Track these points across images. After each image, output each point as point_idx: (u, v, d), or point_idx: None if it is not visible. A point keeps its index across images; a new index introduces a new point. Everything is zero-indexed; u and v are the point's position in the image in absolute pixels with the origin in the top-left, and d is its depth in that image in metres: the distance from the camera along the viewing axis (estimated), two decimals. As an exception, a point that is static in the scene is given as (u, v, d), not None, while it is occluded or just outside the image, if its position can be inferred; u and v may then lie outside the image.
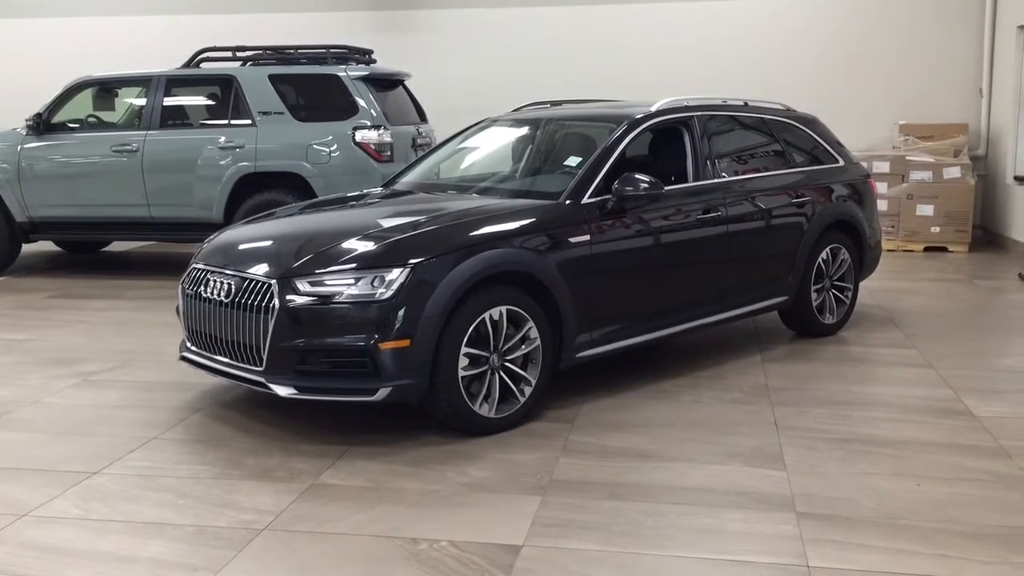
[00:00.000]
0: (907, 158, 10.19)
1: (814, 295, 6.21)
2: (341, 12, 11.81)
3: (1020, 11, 9.81)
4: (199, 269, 4.78)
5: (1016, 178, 9.96)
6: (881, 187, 9.75)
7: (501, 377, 4.48)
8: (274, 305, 4.26)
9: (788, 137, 6.35)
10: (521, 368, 4.55)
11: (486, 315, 4.38)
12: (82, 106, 9.22)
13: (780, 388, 5.21)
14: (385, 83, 8.88)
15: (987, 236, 10.73)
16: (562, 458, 4.19)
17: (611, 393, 5.11)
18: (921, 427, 4.58)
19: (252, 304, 4.35)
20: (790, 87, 10.40)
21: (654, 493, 3.80)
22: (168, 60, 9.57)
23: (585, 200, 4.95)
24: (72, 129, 8.94)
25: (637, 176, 4.97)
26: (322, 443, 4.37)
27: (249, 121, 8.45)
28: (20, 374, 5.61)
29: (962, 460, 4.14)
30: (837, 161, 6.59)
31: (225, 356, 4.55)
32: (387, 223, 4.78)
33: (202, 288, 4.66)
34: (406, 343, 4.17)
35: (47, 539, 3.46)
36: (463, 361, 4.31)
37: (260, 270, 4.45)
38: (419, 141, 8.97)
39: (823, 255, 6.21)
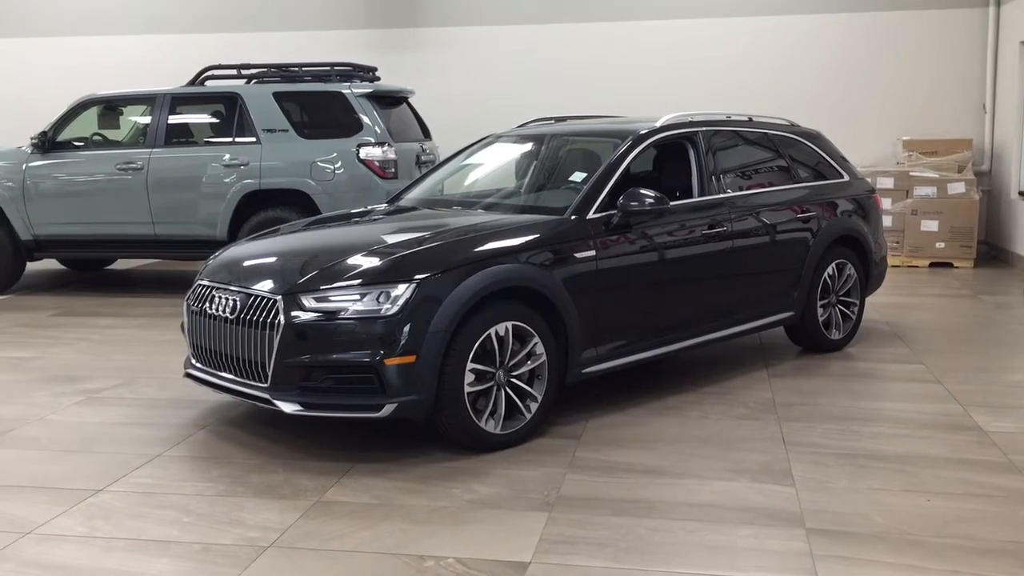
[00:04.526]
0: (911, 174, 10.19)
1: (820, 310, 6.19)
2: (345, 30, 11.87)
3: (1023, 27, 9.82)
4: (204, 286, 4.77)
5: (1021, 193, 9.96)
6: (885, 203, 9.76)
7: (507, 393, 4.46)
8: (279, 321, 4.25)
9: (793, 152, 6.35)
10: (527, 384, 4.53)
11: (492, 331, 4.36)
12: (87, 124, 9.24)
13: (787, 404, 5.18)
14: (389, 100, 8.91)
15: (992, 251, 10.72)
16: (569, 474, 4.16)
17: (617, 409, 5.09)
18: (930, 442, 4.55)
19: (257, 320, 4.34)
20: (794, 103, 10.43)
21: (662, 509, 3.78)
22: (173, 78, 9.63)
23: (590, 215, 4.95)
24: (77, 147, 8.96)
25: (642, 191, 4.97)
26: (327, 460, 4.35)
27: (253, 138, 8.47)
28: (25, 392, 5.59)
29: (972, 476, 4.12)
30: (842, 176, 6.58)
31: (230, 373, 4.54)
32: (392, 239, 4.78)
33: (207, 305, 4.65)
34: (412, 359, 4.16)
35: (51, 557, 3.43)
36: (469, 377, 4.29)
37: (265, 286, 4.44)
38: (423, 158, 8.99)
39: (829, 270, 6.20)
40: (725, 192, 5.67)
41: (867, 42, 10.94)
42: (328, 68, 8.81)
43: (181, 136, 8.84)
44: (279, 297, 4.31)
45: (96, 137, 9.25)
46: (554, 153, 5.94)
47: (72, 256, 9.91)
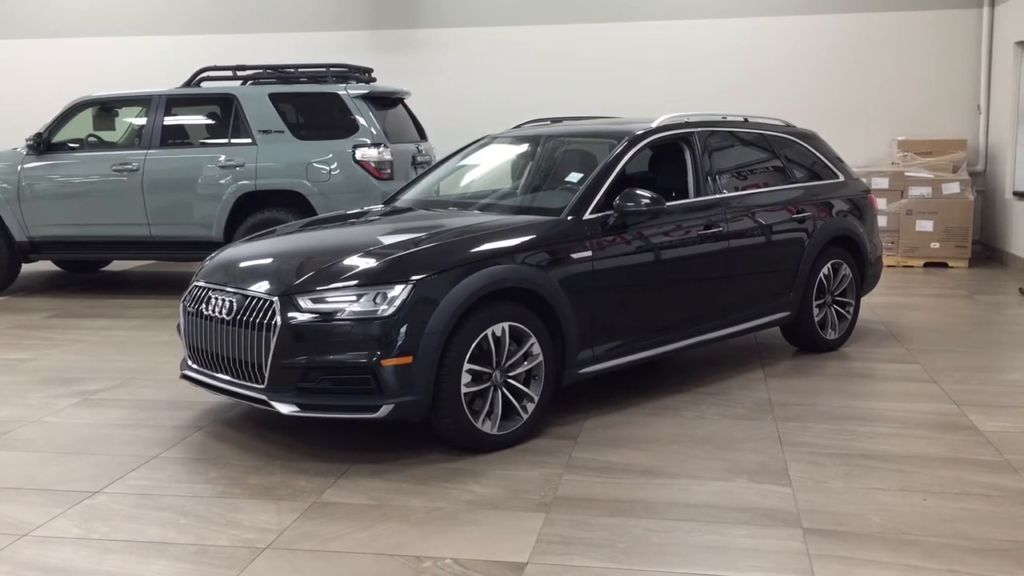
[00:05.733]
0: (906, 174, 10.21)
1: (816, 310, 6.20)
2: (341, 31, 11.87)
3: (1017, 27, 9.86)
4: (200, 287, 4.77)
5: (1015, 193, 9.99)
6: (880, 203, 9.76)
7: (504, 394, 4.46)
8: (276, 322, 4.25)
9: (788, 153, 6.36)
10: (524, 384, 4.53)
11: (488, 331, 4.36)
12: (83, 125, 9.23)
13: (783, 404, 5.19)
14: (385, 101, 8.91)
15: (987, 251, 10.75)
16: (566, 475, 4.16)
17: (614, 409, 5.09)
18: (926, 442, 4.56)
19: (254, 321, 4.34)
20: (790, 103, 10.46)
21: (659, 510, 3.78)
22: (168, 79, 9.62)
23: (587, 216, 4.95)
24: (72, 148, 8.94)
25: (638, 192, 4.97)
26: (324, 461, 4.35)
27: (249, 140, 8.47)
28: (20, 394, 5.58)
29: (968, 475, 4.12)
30: (837, 176, 6.60)
31: (226, 374, 4.53)
32: (388, 240, 4.78)
33: (203, 306, 4.65)
34: (408, 360, 4.16)
35: (48, 559, 3.43)
36: (466, 378, 4.29)
37: (262, 287, 4.43)
38: (419, 159, 8.99)
39: (824, 270, 6.21)
40: (721, 192, 5.67)
41: (862, 43, 10.96)
42: (324, 69, 8.81)
43: (177, 137, 8.83)
44: (275, 298, 4.31)
45: (92, 138, 9.24)
46: (550, 154, 5.95)
47: (68, 257, 9.89)
